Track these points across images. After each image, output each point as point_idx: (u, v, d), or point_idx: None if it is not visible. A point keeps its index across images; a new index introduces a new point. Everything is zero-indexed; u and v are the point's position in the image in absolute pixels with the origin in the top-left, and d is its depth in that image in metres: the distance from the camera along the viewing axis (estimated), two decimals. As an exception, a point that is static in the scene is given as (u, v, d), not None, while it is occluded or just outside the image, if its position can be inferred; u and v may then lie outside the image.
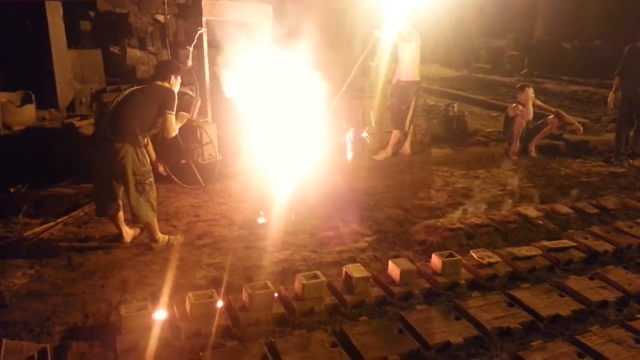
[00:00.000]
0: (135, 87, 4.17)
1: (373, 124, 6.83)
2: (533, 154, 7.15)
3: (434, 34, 10.31)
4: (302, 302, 3.17)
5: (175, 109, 4.08)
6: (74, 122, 6.47)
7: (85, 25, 10.61)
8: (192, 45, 5.18)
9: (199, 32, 5.23)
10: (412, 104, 6.69)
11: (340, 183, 5.50)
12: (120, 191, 4.05)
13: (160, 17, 10.79)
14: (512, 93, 9.29)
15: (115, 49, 10.96)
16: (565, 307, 3.23)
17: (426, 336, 2.88)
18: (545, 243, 4.10)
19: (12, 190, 5.13)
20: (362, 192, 5.53)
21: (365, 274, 3.36)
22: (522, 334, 3.00)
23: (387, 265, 3.61)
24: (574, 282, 3.53)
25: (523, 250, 3.94)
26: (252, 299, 3.04)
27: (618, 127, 7.29)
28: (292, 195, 4.97)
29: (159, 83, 4.10)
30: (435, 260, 3.63)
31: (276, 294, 3.21)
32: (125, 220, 4.20)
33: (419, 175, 6.27)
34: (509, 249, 3.98)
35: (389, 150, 6.84)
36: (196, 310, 2.95)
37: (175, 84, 4.18)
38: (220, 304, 3.04)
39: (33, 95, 7.96)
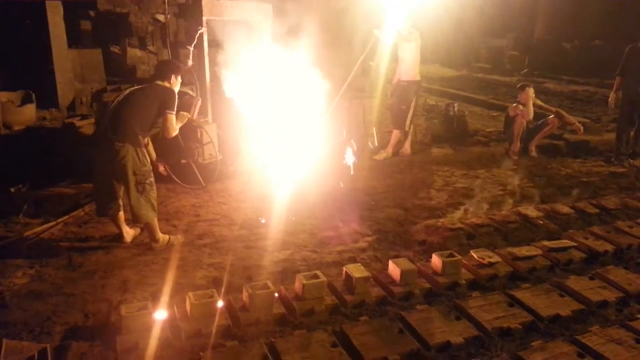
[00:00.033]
0: (136, 87, 4.17)
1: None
2: (533, 153, 7.15)
3: (434, 33, 10.30)
4: (303, 302, 3.17)
5: (175, 109, 4.08)
6: (74, 121, 6.47)
7: (86, 25, 10.62)
8: (193, 45, 5.19)
9: (199, 31, 5.24)
10: (413, 103, 6.69)
11: (341, 185, 5.51)
12: (121, 191, 4.05)
13: (161, 17, 10.79)
14: (513, 93, 9.29)
15: (115, 49, 10.95)
16: (565, 307, 3.23)
17: (426, 336, 2.88)
18: (546, 243, 4.10)
19: (12, 190, 5.13)
20: (362, 191, 5.52)
21: (366, 274, 3.36)
22: (522, 334, 3.00)
23: (388, 265, 3.61)
24: (574, 282, 3.53)
25: (523, 250, 3.94)
26: (253, 298, 3.04)
27: (618, 127, 7.29)
28: (292, 195, 4.98)
29: (160, 83, 4.10)
30: (436, 260, 3.64)
31: (276, 294, 3.21)
32: (126, 220, 4.20)
33: (420, 175, 6.26)
34: (509, 249, 3.98)
35: (389, 150, 6.83)
36: (196, 310, 2.96)
37: (176, 84, 4.17)
38: (220, 303, 3.04)
39: (33, 95, 7.96)
